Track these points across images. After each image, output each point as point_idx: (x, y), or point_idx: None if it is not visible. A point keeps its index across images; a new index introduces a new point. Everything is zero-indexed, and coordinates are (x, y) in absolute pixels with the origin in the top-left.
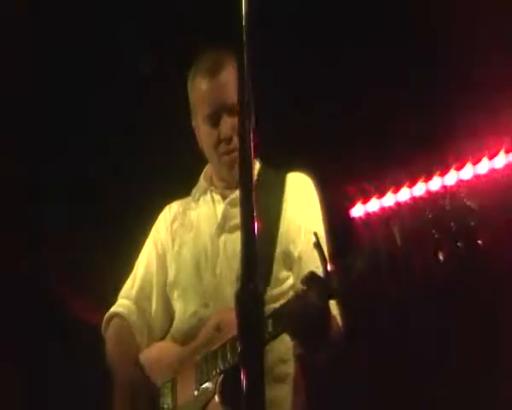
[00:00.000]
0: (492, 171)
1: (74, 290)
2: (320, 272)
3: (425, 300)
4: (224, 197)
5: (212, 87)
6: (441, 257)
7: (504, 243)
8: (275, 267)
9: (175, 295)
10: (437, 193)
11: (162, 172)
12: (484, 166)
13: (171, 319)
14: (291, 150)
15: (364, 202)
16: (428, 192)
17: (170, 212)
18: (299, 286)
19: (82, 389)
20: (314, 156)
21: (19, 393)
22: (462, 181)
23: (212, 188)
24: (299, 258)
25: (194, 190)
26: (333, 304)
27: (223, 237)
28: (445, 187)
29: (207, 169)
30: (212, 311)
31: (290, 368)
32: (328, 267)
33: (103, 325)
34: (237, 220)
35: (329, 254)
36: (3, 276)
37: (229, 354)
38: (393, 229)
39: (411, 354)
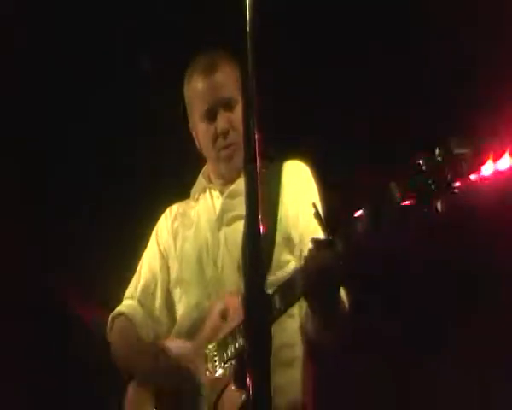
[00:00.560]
0: (497, 173)
1: (76, 293)
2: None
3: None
4: (222, 193)
5: (208, 85)
6: (439, 208)
7: None
8: (276, 252)
9: (178, 292)
10: None
11: (163, 174)
12: (488, 169)
13: (175, 318)
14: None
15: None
16: None
17: (170, 213)
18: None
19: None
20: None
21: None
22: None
23: (211, 185)
24: (300, 241)
25: (193, 190)
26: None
27: (223, 230)
28: None
29: (205, 169)
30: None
31: (296, 352)
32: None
33: (108, 325)
34: (236, 212)
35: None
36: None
37: (239, 341)
38: (390, 185)
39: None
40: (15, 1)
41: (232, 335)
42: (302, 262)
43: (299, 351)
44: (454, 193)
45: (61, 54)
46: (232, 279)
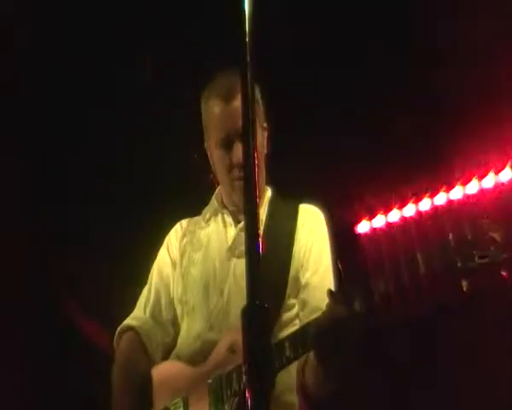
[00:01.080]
0: (498, 185)
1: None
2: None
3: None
4: (235, 221)
5: (226, 112)
6: (465, 287)
7: None
8: (287, 293)
9: (180, 309)
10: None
11: (174, 190)
12: (490, 181)
13: (178, 332)
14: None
15: (370, 219)
16: (434, 207)
17: (181, 228)
18: (307, 313)
19: None
20: (318, 175)
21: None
22: (468, 197)
23: (224, 211)
24: (306, 285)
25: (205, 210)
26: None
27: (233, 260)
28: (450, 202)
29: (218, 191)
30: (217, 334)
31: (295, 397)
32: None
33: (116, 337)
34: None
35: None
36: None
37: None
38: (417, 254)
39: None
40: (15, 1)
41: (238, 370)
42: (320, 314)
43: (296, 397)
44: (480, 274)
45: (61, 54)
46: (236, 313)
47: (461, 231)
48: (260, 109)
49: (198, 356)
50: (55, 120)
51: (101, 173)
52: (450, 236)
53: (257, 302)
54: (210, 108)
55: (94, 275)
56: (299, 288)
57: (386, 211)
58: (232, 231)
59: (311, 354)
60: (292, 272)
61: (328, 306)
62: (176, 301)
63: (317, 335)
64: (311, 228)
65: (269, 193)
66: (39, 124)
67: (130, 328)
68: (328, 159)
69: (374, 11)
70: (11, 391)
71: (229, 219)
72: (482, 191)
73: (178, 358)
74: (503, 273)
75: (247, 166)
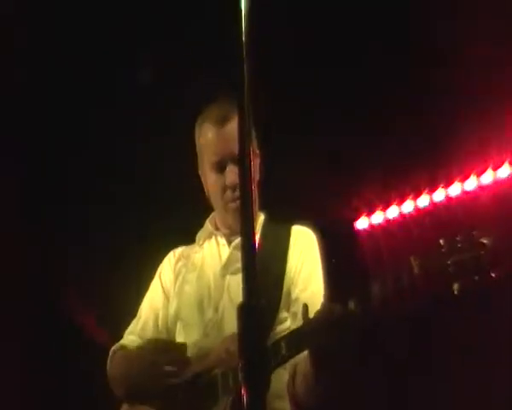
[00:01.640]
0: (496, 182)
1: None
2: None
3: None
4: (229, 242)
5: (219, 136)
6: (456, 291)
7: None
8: (280, 307)
9: (178, 326)
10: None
11: (174, 190)
12: (488, 178)
13: None
14: (297, 200)
15: (369, 215)
16: (432, 204)
17: (174, 255)
18: (294, 327)
19: None
20: (318, 168)
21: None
22: (467, 193)
23: (218, 233)
24: (296, 299)
25: (198, 235)
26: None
27: (227, 277)
28: (449, 198)
29: (212, 216)
30: (212, 341)
31: (286, 406)
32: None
33: (109, 358)
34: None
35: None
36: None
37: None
38: (410, 259)
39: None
40: (15, 1)
41: (234, 370)
42: (316, 313)
43: (288, 404)
44: (471, 279)
45: (61, 54)
46: (231, 326)
47: (452, 238)
48: (253, 137)
49: (197, 359)
50: (55, 119)
51: (101, 173)
52: (442, 241)
53: (253, 302)
54: (203, 133)
55: (94, 275)
56: (290, 302)
57: (385, 207)
58: (226, 249)
59: (301, 363)
60: (284, 288)
61: (323, 305)
62: (172, 321)
63: (312, 333)
64: (302, 249)
65: (261, 218)
66: (39, 124)
67: (123, 347)
68: (328, 157)
69: (374, 11)
70: (11, 391)
71: (222, 240)
72: (481, 188)
73: None
74: (493, 275)
75: (244, 182)
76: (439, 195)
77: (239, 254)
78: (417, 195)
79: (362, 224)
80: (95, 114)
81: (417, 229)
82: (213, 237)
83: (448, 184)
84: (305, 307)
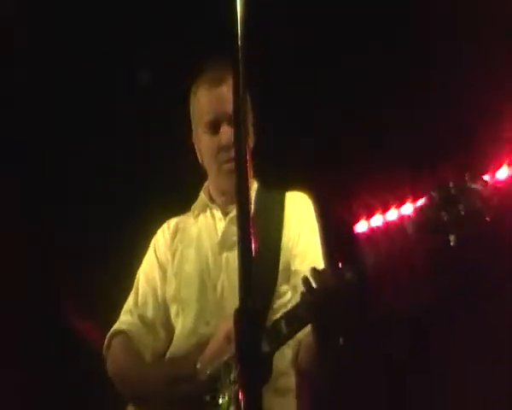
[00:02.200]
0: (496, 182)
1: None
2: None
3: None
4: (224, 213)
5: (213, 97)
6: (452, 241)
7: None
8: (279, 281)
9: (174, 309)
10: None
11: (161, 185)
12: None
13: (170, 333)
14: (291, 168)
15: (368, 218)
16: None
17: (169, 227)
18: (294, 299)
19: None
20: (316, 173)
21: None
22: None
23: (213, 205)
24: (295, 272)
25: (193, 206)
26: None
27: (224, 254)
28: None
29: (206, 185)
30: (213, 328)
31: (291, 382)
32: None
33: (105, 343)
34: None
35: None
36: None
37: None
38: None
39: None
40: (15, 1)
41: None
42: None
43: (293, 380)
44: (467, 227)
45: (61, 54)
46: (231, 305)
47: (444, 187)
48: (247, 102)
49: (194, 352)
50: (55, 120)
51: (101, 173)
52: (434, 193)
53: (249, 306)
54: (198, 98)
55: (94, 275)
56: (289, 275)
57: (385, 210)
58: (222, 224)
59: (304, 338)
60: (282, 260)
61: (320, 277)
62: (169, 301)
63: (312, 307)
64: (299, 216)
65: (255, 185)
66: (39, 124)
67: (121, 332)
68: (327, 158)
69: (374, 11)
70: (11, 391)
71: (218, 214)
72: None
73: (173, 355)
74: (488, 219)
75: (239, 162)
76: None
77: (235, 229)
78: (416, 198)
79: (361, 227)
80: (94, 114)
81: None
82: (208, 210)
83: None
84: (306, 279)
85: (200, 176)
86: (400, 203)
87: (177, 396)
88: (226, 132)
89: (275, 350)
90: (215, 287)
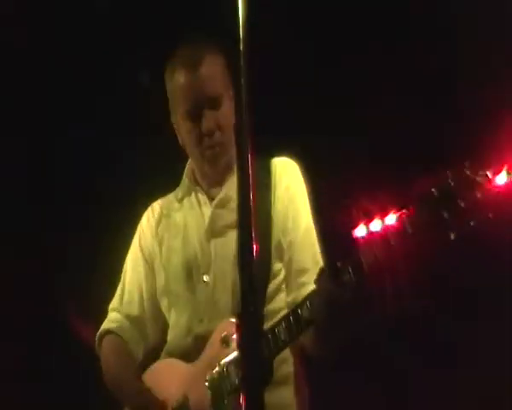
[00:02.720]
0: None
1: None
2: (314, 259)
3: None
4: (210, 197)
5: (192, 81)
6: (452, 237)
7: None
8: (272, 260)
9: (165, 302)
10: None
11: (145, 167)
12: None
13: (163, 327)
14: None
15: (367, 223)
16: None
17: (153, 214)
18: (293, 275)
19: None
20: (315, 175)
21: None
22: None
23: (197, 188)
24: (289, 246)
25: (177, 189)
26: None
27: (213, 242)
28: None
29: (189, 167)
30: (207, 326)
31: (290, 367)
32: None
33: (96, 342)
34: (226, 221)
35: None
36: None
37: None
38: (402, 215)
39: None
40: (15, 1)
41: (235, 363)
42: (314, 289)
43: (291, 366)
44: (467, 222)
45: (61, 54)
46: (225, 299)
47: (443, 181)
48: (228, 77)
49: (191, 352)
50: (55, 120)
51: (101, 173)
52: (433, 189)
53: (251, 309)
54: (175, 79)
55: (94, 275)
56: (282, 251)
57: (384, 215)
58: (207, 209)
59: None
60: (274, 237)
61: (318, 283)
62: (160, 293)
63: (311, 313)
64: (288, 184)
65: None
66: (39, 124)
67: (109, 331)
68: (326, 162)
69: (374, 11)
70: (11, 391)
71: (203, 198)
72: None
73: (170, 355)
74: (489, 215)
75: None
76: None
77: (222, 212)
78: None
79: (360, 232)
80: (94, 114)
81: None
82: (193, 194)
83: None
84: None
85: (184, 157)
86: (400, 209)
87: None
88: (208, 118)
89: (275, 356)
90: (206, 280)
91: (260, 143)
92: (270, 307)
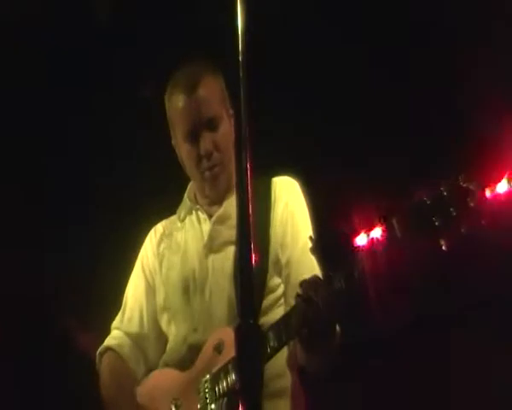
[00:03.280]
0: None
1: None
2: (315, 275)
3: None
4: (209, 215)
5: (190, 104)
6: (444, 246)
7: None
8: (268, 275)
9: (165, 318)
10: None
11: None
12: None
13: (165, 344)
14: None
15: (368, 231)
16: None
17: (156, 234)
18: (291, 291)
19: None
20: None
21: None
22: None
23: (198, 207)
24: (288, 262)
25: (179, 209)
26: None
27: (210, 257)
28: None
29: (190, 187)
30: (202, 336)
31: (286, 382)
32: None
33: (97, 359)
34: (224, 238)
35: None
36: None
37: (232, 375)
38: (392, 221)
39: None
40: (18, 1)
41: (225, 369)
42: (297, 302)
43: (288, 381)
44: (459, 231)
45: (61, 54)
46: (220, 312)
47: (436, 189)
48: (226, 97)
49: (186, 361)
50: (54, 120)
51: (101, 173)
52: (425, 196)
53: (251, 321)
54: (173, 103)
55: (94, 276)
56: (281, 267)
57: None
58: (206, 225)
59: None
60: (272, 253)
61: (309, 291)
62: (160, 310)
63: (300, 321)
64: (287, 201)
65: None
66: (39, 124)
67: (109, 348)
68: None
69: (374, 11)
70: (11, 391)
71: (203, 216)
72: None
73: (167, 365)
74: (482, 222)
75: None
76: None
77: (220, 229)
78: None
79: (361, 240)
80: (94, 115)
81: None
82: (194, 213)
83: None
84: (303, 286)
85: (186, 177)
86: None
87: None
88: (206, 140)
89: (264, 363)
90: (202, 292)
91: (260, 162)
92: (265, 319)
